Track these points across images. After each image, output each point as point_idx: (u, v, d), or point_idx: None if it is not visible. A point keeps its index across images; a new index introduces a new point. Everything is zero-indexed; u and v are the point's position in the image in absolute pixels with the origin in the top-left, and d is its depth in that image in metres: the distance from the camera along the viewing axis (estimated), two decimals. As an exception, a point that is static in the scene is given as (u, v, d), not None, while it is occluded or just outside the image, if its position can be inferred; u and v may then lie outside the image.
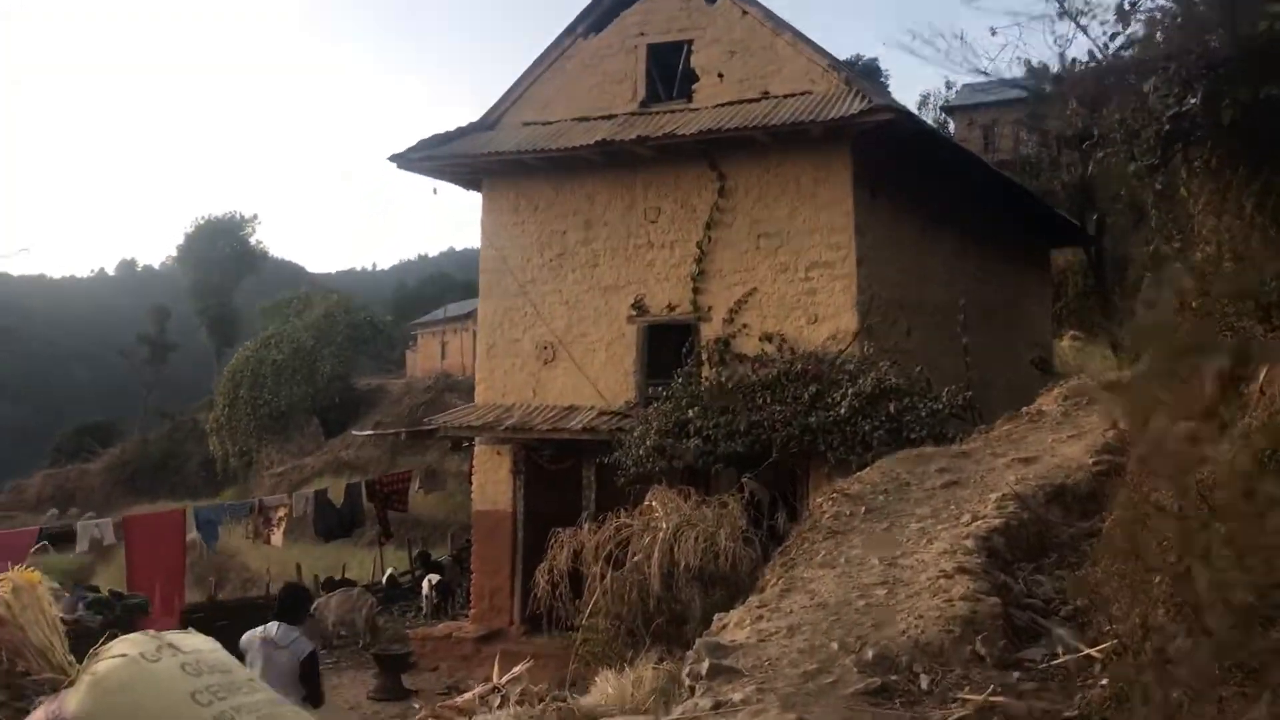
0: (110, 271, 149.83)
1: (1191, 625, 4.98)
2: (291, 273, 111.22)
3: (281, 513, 15.60)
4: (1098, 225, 21.16)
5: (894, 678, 4.71)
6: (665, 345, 14.95)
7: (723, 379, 13.44)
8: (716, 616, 6.62)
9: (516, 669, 9.27)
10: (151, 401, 72.30)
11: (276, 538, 15.56)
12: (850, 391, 12.65)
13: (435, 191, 18.06)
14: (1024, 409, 10.68)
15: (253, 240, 76.75)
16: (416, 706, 13.06)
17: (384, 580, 20.16)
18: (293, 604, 8.11)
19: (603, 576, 9.56)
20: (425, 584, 18.29)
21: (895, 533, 7.29)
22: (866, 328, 13.89)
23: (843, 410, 12.59)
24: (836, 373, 13.17)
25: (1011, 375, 19.04)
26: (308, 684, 7.47)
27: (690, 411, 13.08)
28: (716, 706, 4.38)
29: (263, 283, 73.77)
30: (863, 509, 7.73)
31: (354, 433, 33.85)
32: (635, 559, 9.45)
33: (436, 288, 74.51)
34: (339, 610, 16.30)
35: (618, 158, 14.90)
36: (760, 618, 5.95)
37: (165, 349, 76.52)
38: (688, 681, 5.07)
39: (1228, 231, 6.02)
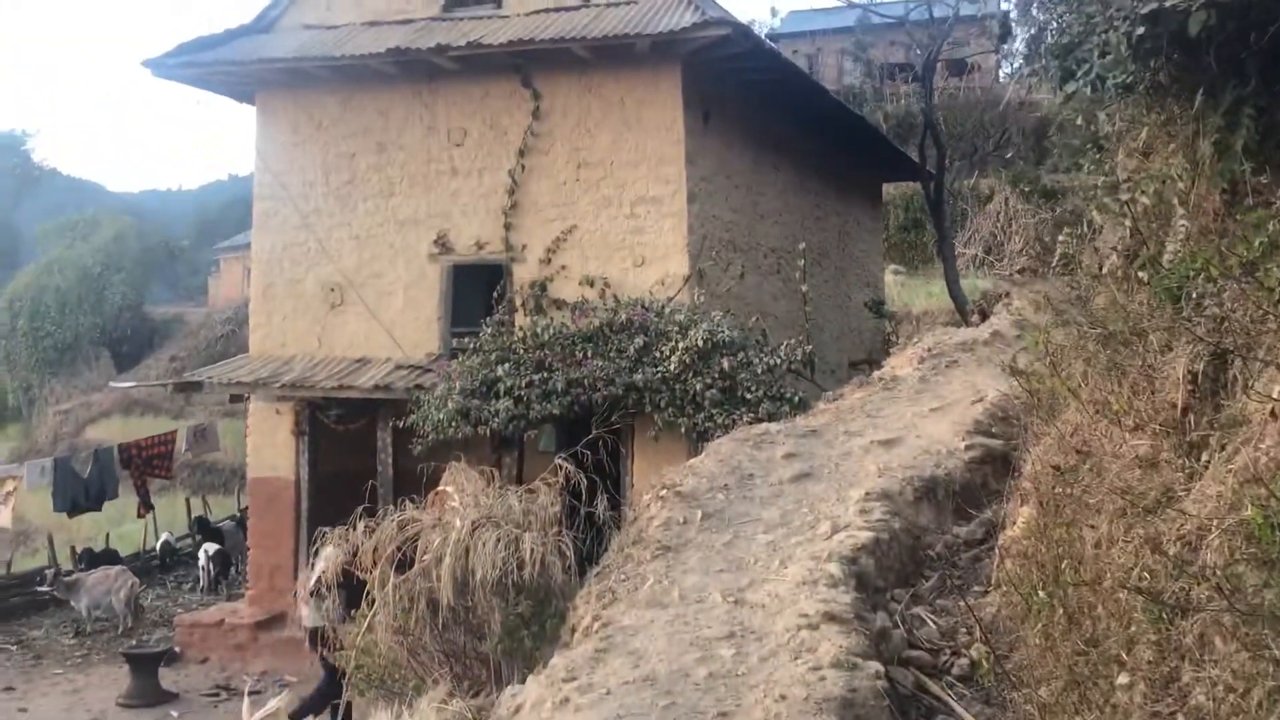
0: None
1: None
2: (90, 192, 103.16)
3: (10, 486, 13.15)
4: (939, 158, 20.19)
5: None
6: (473, 289, 13.13)
7: (538, 330, 11.73)
8: (509, 693, 5.06)
9: (271, 704, 7.48)
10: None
11: (4, 515, 13.13)
12: (680, 345, 11.16)
13: (199, 103, 15.55)
14: (876, 374, 9.42)
15: (36, 157, 70.44)
16: (174, 715, 11.12)
17: (157, 548, 17.86)
18: None
19: (383, 584, 7.81)
20: (202, 554, 16.12)
21: (740, 548, 5.81)
22: (698, 272, 12.40)
23: (672, 366, 11.10)
24: (665, 323, 11.65)
25: (844, 319, 18.02)
26: None
27: (500, 368, 11.35)
28: None
29: (54, 203, 67.64)
30: (699, 513, 6.22)
31: (113, 385, 30.46)
32: (424, 562, 7.74)
33: (243, 209, 69.52)
34: (94, 592, 14.01)
35: (415, 69, 12.83)
36: (566, 700, 4.37)
37: (-70, 280, 69.60)
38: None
39: (1167, 179, 4.66)
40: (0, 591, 14.97)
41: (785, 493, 6.57)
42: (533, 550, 7.12)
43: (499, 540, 7.19)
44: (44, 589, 14.34)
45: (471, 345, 12.00)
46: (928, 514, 6.35)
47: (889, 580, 5.60)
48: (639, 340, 11.44)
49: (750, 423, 10.70)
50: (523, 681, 6.96)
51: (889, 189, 24.80)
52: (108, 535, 16.99)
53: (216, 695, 11.72)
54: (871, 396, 8.67)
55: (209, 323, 46.27)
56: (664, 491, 6.61)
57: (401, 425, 11.81)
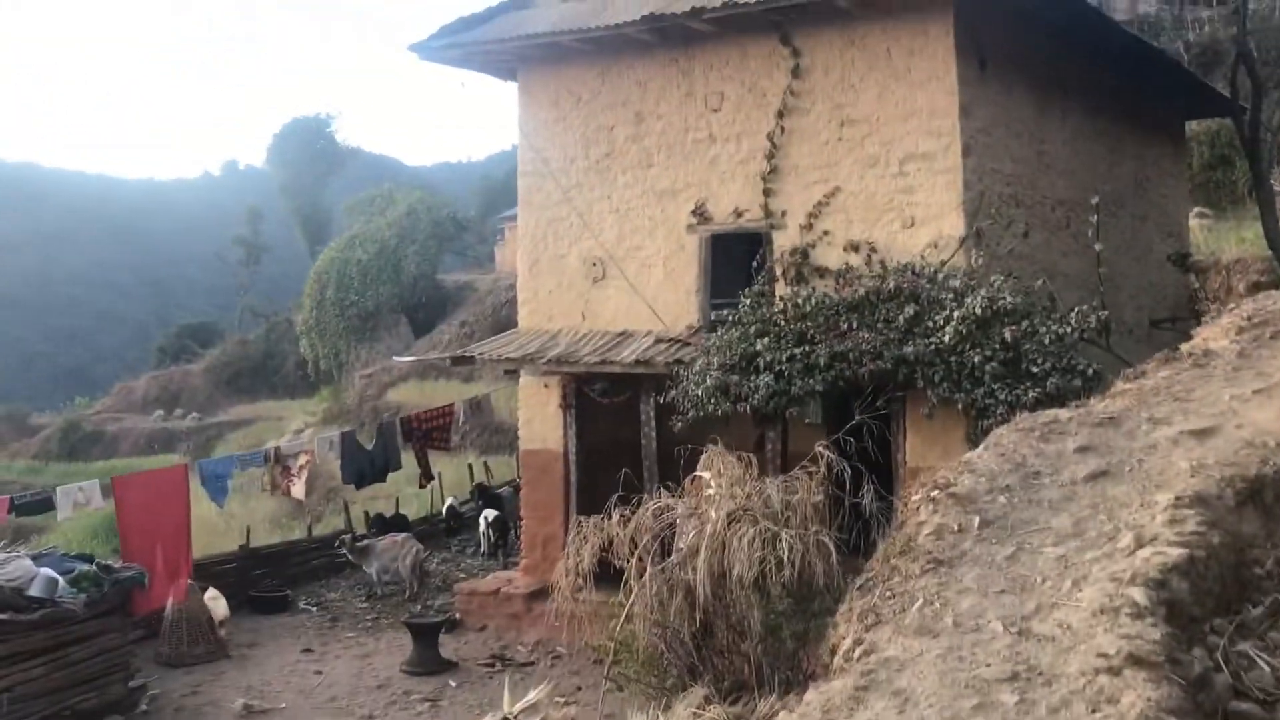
0: (215, 173, 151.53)
1: None
2: (388, 167, 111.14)
3: (303, 460, 13.97)
4: (1253, 90, 17.86)
5: None
6: (732, 258, 12.71)
7: (800, 300, 11.18)
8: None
9: (531, 696, 7.41)
10: (248, 302, 72.69)
11: (298, 488, 13.97)
12: (956, 314, 10.31)
13: (464, 85, 15.81)
14: (1185, 347, 8.27)
15: (340, 137, 75.72)
16: (453, 684, 11.47)
17: (444, 511, 18.66)
18: None
19: (640, 573, 7.59)
20: (482, 521, 16.66)
21: (1024, 564, 5.12)
22: (975, 232, 11.43)
23: (947, 337, 10.29)
24: (939, 290, 10.81)
25: (1143, 272, 16.33)
26: None
27: (760, 342, 10.89)
28: None
29: (357, 180, 72.80)
30: (976, 520, 5.55)
31: (396, 359, 32.12)
32: (680, 553, 7.46)
33: (523, 178, 72.17)
34: (383, 558, 14.75)
35: (671, 35, 12.48)
36: (819, 751, 3.92)
37: (259, 250, 76.51)
38: None
39: None
40: (303, 555, 16.03)
41: (1078, 495, 5.76)
42: (791, 549, 6.66)
43: (756, 537, 6.77)
44: (340, 553, 15.27)
45: (730, 317, 11.61)
46: (1254, 523, 5.38)
47: (1206, 608, 4.75)
48: (909, 309, 10.69)
49: (1036, 399, 9.81)
50: (784, 689, 6.56)
51: (1191, 125, 22.33)
52: (397, 500, 17.91)
53: (492, 665, 12.00)
54: (1179, 375, 7.57)
55: (495, 289, 48.28)
56: (935, 493, 5.96)
57: (663, 401, 11.58)
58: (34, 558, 10.78)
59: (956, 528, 5.53)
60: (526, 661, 12.09)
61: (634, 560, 7.59)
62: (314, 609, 14.66)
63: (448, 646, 12.48)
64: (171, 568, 11.90)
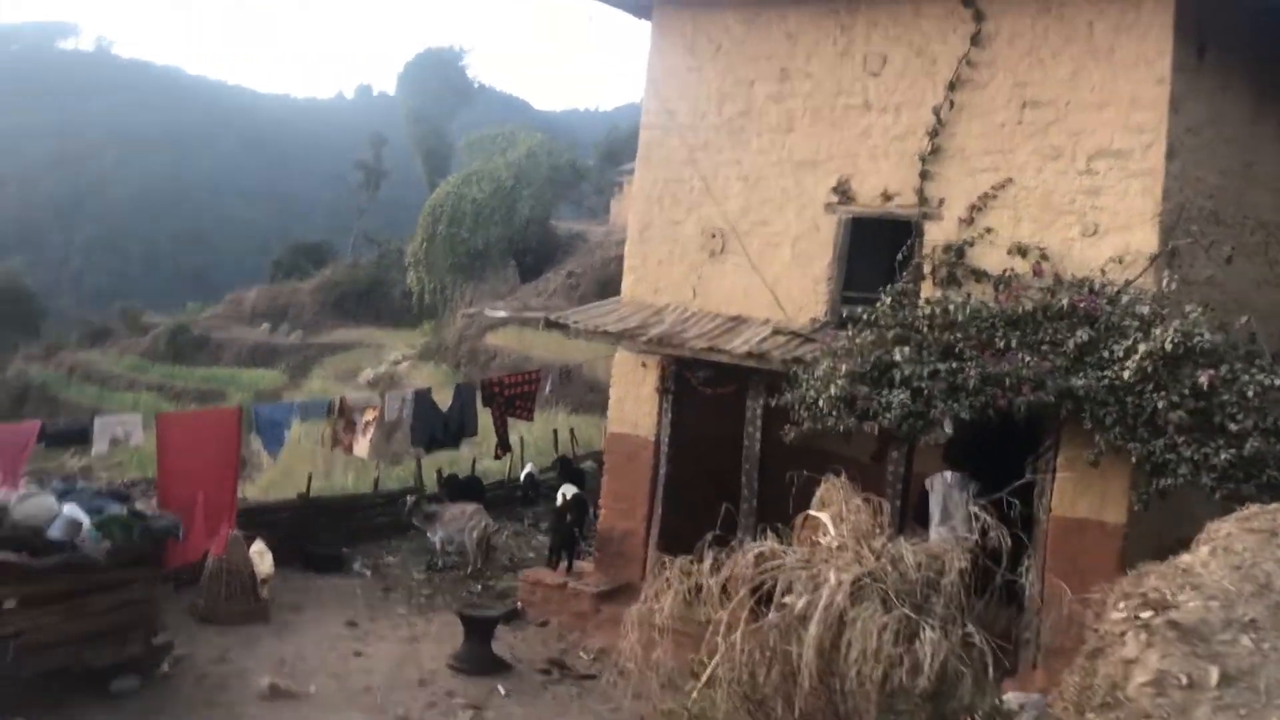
0: (348, 95, 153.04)
1: None
2: (517, 108, 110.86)
3: (370, 415, 12.79)
4: None
5: None
6: (874, 248, 11.05)
7: (950, 306, 9.53)
8: None
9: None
10: (363, 227, 72.88)
11: (361, 446, 12.80)
12: (1141, 347, 8.58)
13: (590, 19, 14.36)
14: None
15: (470, 73, 75.20)
16: (502, 691, 10.22)
17: (522, 478, 17.46)
18: None
19: (730, 628, 6.14)
20: (560, 497, 15.36)
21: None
22: (1170, 250, 9.62)
23: (1127, 373, 8.58)
24: (1121, 315, 9.08)
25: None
26: None
27: (898, 352, 9.28)
28: None
29: (482, 116, 72.19)
30: (1213, 672, 3.95)
31: (487, 312, 31.01)
32: (784, 615, 5.99)
33: (647, 134, 70.70)
34: (449, 528, 13.58)
35: (833, -18, 10.83)
36: None
37: (379, 176, 76.60)
38: None
39: None
40: (367, 510, 14.98)
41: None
42: (933, 654, 5.14)
43: (888, 629, 5.26)
44: (405, 516, 14.17)
45: (865, 316, 10.00)
46: None
47: None
48: (1083, 333, 8.99)
49: (1229, 463, 8.11)
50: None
51: None
52: (474, 461, 16.75)
53: (549, 673, 10.73)
54: None
55: (605, 243, 47.10)
56: (1148, 615, 4.37)
57: (775, 403, 10.07)
58: (62, 493, 9.80)
59: (1185, 680, 3.95)
60: (587, 674, 10.78)
61: (723, 613, 6.14)
62: (368, 573, 13.58)
63: (503, 641, 11.25)
64: (213, 518, 10.83)
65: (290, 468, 17.17)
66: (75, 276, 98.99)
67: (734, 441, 11.58)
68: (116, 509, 9.74)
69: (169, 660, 10.10)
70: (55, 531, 8.97)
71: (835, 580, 5.66)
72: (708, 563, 6.23)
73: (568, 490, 15.36)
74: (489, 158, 54.06)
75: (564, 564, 12.64)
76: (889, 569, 5.77)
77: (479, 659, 10.66)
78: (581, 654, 11.34)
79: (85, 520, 9.27)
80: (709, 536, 6.54)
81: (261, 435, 12.03)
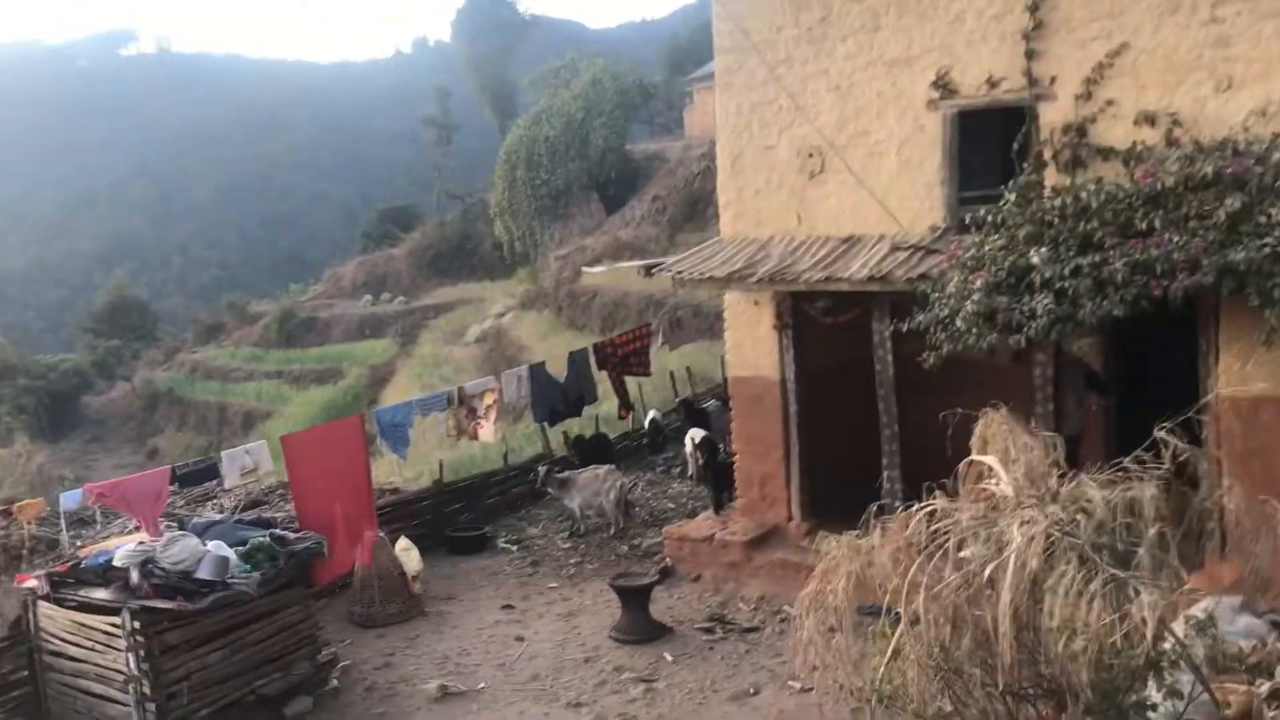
0: (406, 50, 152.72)
1: None
2: (571, 32, 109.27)
3: (490, 399, 12.58)
4: None
5: None
6: (985, 141, 10.31)
7: (1081, 193, 8.79)
8: None
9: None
10: (443, 183, 73.06)
11: (486, 430, 12.63)
12: (1304, 207, 7.77)
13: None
14: None
15: (521, 6, 74.27)
16: (669, 658, 10.01)
17: (645, 425, 17.18)
18: None
19: (910, 597, 5.70)
20: (688, 442, 15.06)
21: None
22: (1321, 92, 8.67)
23: (1292, 237, 7.79)
24: (1274, 174, 8.24)
25: None
26: None
27: (1034, 253, 8.61)
28: None
29: (541, 49, 71.32)
30: None
31: (584, 270, 30.52)
32: (963, 577, 5.53)
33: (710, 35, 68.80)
34: (585, 492, 13.39)
35: None
36: None
37: (449, 130, 76.50)
38: None
39: None
40: (501, 484, 14.89)
41: None
42: (1147, 616, 4.63)
43: (1096, 595, 4.76)
44: (538, 487, 14.04)
45: (989, 217, 9.32)
46: None
47: None
48: (1233, 201, 8.18)
49: None
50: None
51: None
52: (596, 419, 16.51)
53: (712, 631, 10.49)
54: None
55: (685, 158, 46.16)
56: None
57: (905, 329, 9.49)
58: (205, 528, 9.82)
59: None
60: (750, 627, 10.52)
61: (901, 581, 5.70)
62: (514, 548, 13.50)
63: (660, 603, 11.04)
64: (354, 528, 10.80)
65: (419, 455, 17.14)
66: (179, 277, 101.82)
67: (861, 369, 11.07)
68: (259, 537, 9.73)
69: (335, 674, 10.15)
70: (204, 572, 8.98)
71: (1022, 539, 5.17)
72: (876, 534, 5.79)
73: (695, 434, 15.06)
74: (554, 93, 53.39)
75: (726, 505, 12.34)
76: (1079, 518, 5.26)
77: (640, 627, 10.47)
78: (741, 605, 11.07)
79: (231, 555, 9.27)
80: (873, 507, 6.05)
81: (386, 439, 11.94)
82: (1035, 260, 8.57)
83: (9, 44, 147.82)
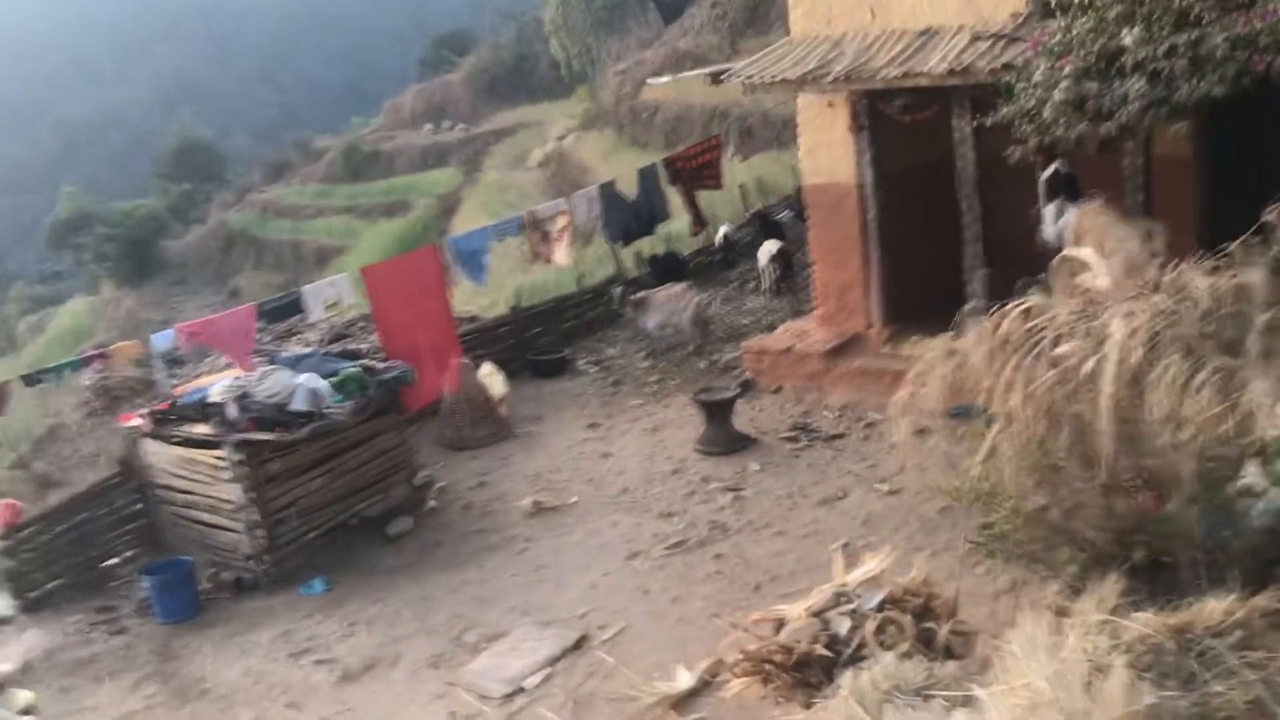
0: None
1: None
2: None
3: (562, 222, 12.44)
4: None
5: None
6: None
7: (1177, -36, 8.19)
8: None
9: (869, 566, 5.83)
10: (494, 3, 71.10)
11: (560, 253, 12.53)
12: None
13: None
14: None
15: None
16: (755, 467, 10.15)
17: (717, 241, 16.99)
18: None
19: (1006, 394, 5.64)
20: (762, 255, 14.91)
21: None
22: None
23: None
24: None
25: None
26: None
27: (1126, 34, 8.10)
28: None
29: None
30: None
31: (649, 82, 29.51)
32: (1060, 374, 5.44)
33: None
34: (662, 312, 13.36)
35: None
36: None
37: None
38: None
39: None
40: (577, 308, 14.93)
41: None
42: (1259, 404, 4.51)
43: (1204, 385, 4.64)
44: (615, 308, 14.07)
45: (1075, 1, 8.76)
46: None
47: None
48: (1345, -38, 7.55)
49: None
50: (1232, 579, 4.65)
51: None
52: (668, 236, 16.34)
53: (795, 439, 10.58)
54: None
55: (749, -44, 44.15)
56: None
57: (989, 123, 9.09)
58: (295, 361, 10.05)
59: None
60: (835, 434, 10.57)
61: (996, 382, 5.63)
62: (594, 369, 13.65)
63: (742, 415, 11.12)
64: (439, 355, 10.96)
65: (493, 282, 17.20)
66: (241, 116, 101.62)
67: (942, 168, 10.74)
68: (349, 368, 9.93)
69: (433, 495, 10.50)
70: (299, 403, 9.23)
71: (1123, 332, 5.03)
72: (970, 336, 5.69)
73: (770, 246, 14.90)
74: (588, -100, 51.07)
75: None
76: (1182, 307, 5.09)
77: (724, 439, 10.60)
78: (824, 413, 11.11)
79: (323, 385, 9.49)
80: (966, 308, 5.94)
81: (463, 267, 11.95)
82: (1127, 41, 8.06)
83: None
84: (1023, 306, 5.67)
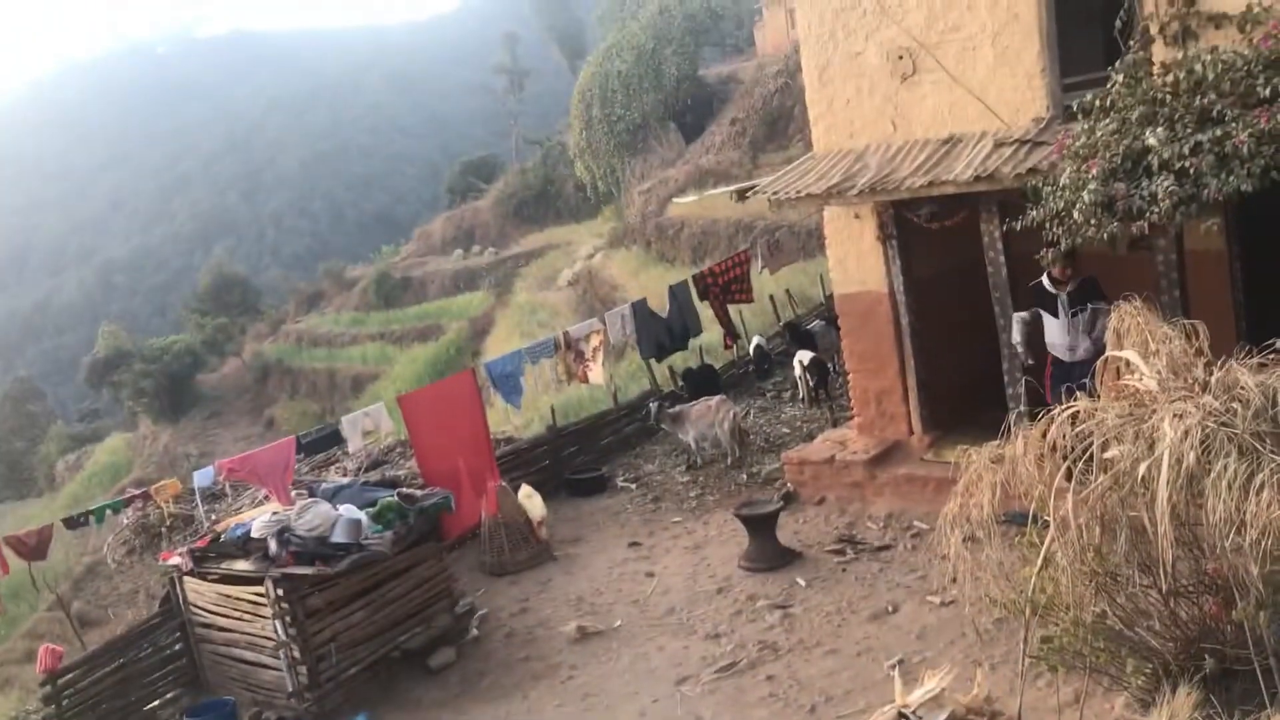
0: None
1: None
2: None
3: (595, 341, 12.54)
4: None
5: None
6: (1085, 21, 9.81)
7: (1195, 65, 8.28)
8: None
9: (930, 686, 5.64)
10: (520, 130, 73.03)
11: (595, 372, 12.61)
12: None
13: None
14: None
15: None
16: (801, 583, 9.95)
17: (750, 351, 17.01)
18: None
19: (1058, 502, 5.52)
20: (797, 365, 14.89)
21: None
22: None
23: None
24: None
25: None
26: None
27: (1150, 134, 8.15)
28: None
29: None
30: None
31: (675, 200, 30.09)
32: (1112, 477, 5.32)
33: (776, -51, 67.24)
34: (698, 425, 13.30)
35: None
36: None
37: (521, 75, 76.21)
38: None
39: None
40: (613, 424, 14.89)
41: None
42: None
43: (1265, 485, 4.53)
44: (652, 423, 14.04)
45: (1095, 101, 8.85)
46: None
47: None
48: (1365, 58, 7.62)
49: None
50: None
51: None
52: (700, 350, 16.38)
53: (842, 552, 10.38)
54: None
55: (760, 78, 45.22)
56: None
57: (1019, 227, 9.11)
58: (334, 492, 10.05)
59: None
60: (881, 545, 10.38)
61: (1048, 484, 5.52)
62: (633, 486, 13.54)
63: (786, 529, 10.96)
64: (477, 480, 10.94)
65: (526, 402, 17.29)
66: (274, 249, 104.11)
67: (972, 273, 10.75)
68: (388, 497, 9.90)
69: (475, 624, 10.34)
70: (339, 535, 9.19)
71: (1175, 433, 4.93)
72: (1019, 443, 5.59)
73: (803, 356, 14.90)
74: (623, 26, 52.80)
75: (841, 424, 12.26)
76: (1233, 405, 4.99)
77: (769, 554, 10.42)
78: (869, 524, 10.93)
79: (363, 517, 9.46)
80: (1012, 413, 5.86)
81: (499, 389, 12.01)
82: (1152, 141, 8.11)
83: (98, 50, 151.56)
84: (1070, 410, 5.58)
